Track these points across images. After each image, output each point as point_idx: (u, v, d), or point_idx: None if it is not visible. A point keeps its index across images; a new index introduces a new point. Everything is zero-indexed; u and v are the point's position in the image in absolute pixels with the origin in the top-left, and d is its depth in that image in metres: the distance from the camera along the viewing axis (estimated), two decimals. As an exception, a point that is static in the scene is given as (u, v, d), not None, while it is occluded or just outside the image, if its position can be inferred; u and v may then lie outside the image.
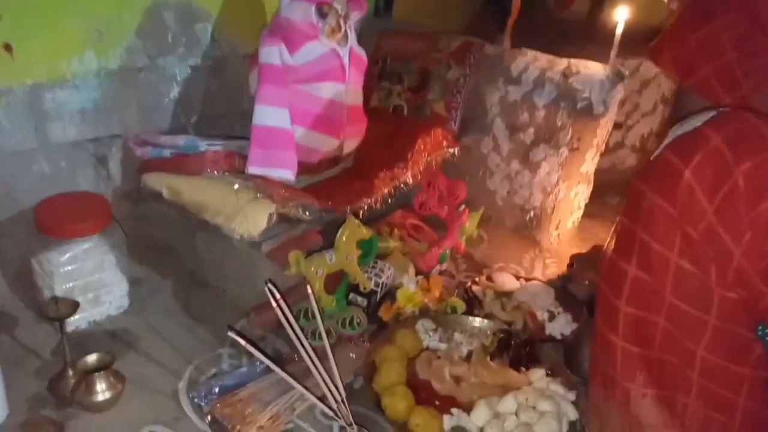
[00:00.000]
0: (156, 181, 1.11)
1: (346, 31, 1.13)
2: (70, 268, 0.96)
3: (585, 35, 1.67)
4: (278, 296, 0.78)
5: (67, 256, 0.96)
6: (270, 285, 0.78)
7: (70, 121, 1.09)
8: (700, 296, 0.57)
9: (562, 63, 1.28)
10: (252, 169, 1.06)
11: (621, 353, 0.63)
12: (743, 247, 0.54)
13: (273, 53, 1.06)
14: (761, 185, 0.53)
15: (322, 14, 1.09)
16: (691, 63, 0.63)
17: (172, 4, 1.17)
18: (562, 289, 1.17)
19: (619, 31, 1.21)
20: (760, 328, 0.57)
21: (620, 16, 1.21)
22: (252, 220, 0.98)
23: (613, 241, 0.64)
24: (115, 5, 1.09)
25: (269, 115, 1.06)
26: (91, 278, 0.99)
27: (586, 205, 1.41)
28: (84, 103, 1.10)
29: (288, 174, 1.08)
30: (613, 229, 0.66)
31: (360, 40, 1.23)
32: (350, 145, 1.24)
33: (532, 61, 1.31)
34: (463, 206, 1.27)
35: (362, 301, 1.06)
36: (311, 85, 1.12)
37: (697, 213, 0.55)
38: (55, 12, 1.02)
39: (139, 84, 1.17)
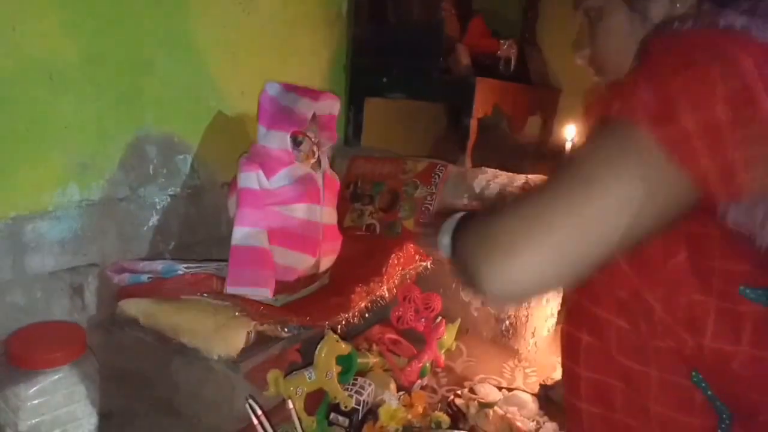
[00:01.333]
0: (132, 306, 1.10)
1: (319, 156, 1.21)
2: (38, 401, 0.92)
3: (537, 155, 1.82)
4: (259, 412, 0.76)
5: (35, 388, 0.92)
6: (251, 401, 0.76)
7: (49, 252, 1.09)
8: (639, 351, 0.61)
9: (521, 178, 1.38)
10: (230, 289, 1.08)
11: (585, 416, 0.65)
12: (661, 302, 0.58)
13: (251, 178, 1.13)
14: (666, 246, 0.58)
15: (296, 142, 1.18)
16: None
17: (155, 138, 1.24)
18: (545, 397, 1.17)
19: (569, 146, 1.33)
20: (693, 374, 0.60)
21: (569, 134, 1.34)
22: (230, 339, 0.97)
23: (564, 314, 0.69)
24: (100, 139, 1.15)
25: (247, 235, 1.10)
26: (59, 412, 0.94)
27: (559, 312, 1.44)
28: (64, 234, 1.11)
29: (266, 293, 1.09)
30: (560, 302, 0.70)
31: (332, 166, 1.32)
32: (326, 262, 1.27)
33: (493, 178, 1.41)
34: (439, 318, 1.29)
35: (344, 421, 1.03)
36: (288, 207, 1.17)
37: (622, 278, 0.60)
38: (41, 146, 1.07)
39: (118, 213, 1.21)
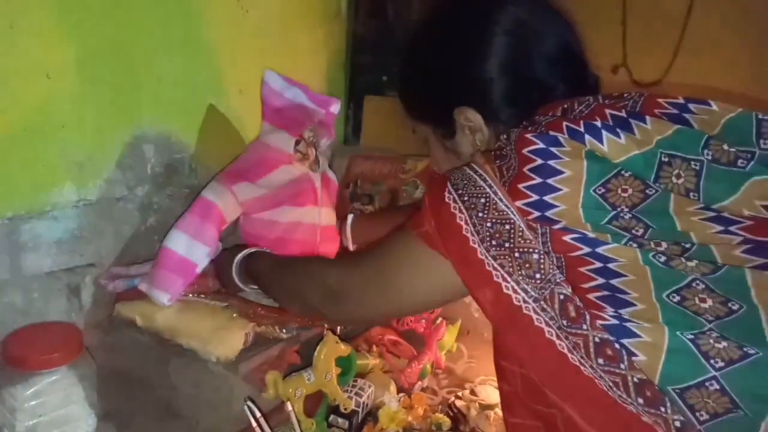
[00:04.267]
0: (129, 308, 1.09)
1: (317, 156, 1.20)
2: (35, 402, 0.91)
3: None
4: (258, 414, 0.75)
5: (32, 389, 0.91)
6: (249, 402, 0.76)
7: (46, 252, 1.08)
8: (541, 396, 0.63)
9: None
10: (141, 286, 1.07)
11: None
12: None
13: (223, 194, 1.10)
14: None
15: (295, 142, 1.16)
16: None
17: (152, 137, 1.23)
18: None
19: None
20: None
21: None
22: (228, 341, 0.96)
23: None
24: (97, 138, 1.13)
25: (186, 245, 1.06)
26: (56, 413, 0.94)
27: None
28: (61, 234, 1.10)
29: (164, 298, 1.05)
30: None
31: (331, 165, 1.30)
32: (325, 263, 1.26)
33: (494, 178, 1.40)
34: (440, 319, 1.28)
35: (343, 423, 1.03)
36: (283, 209, 1.15)
37: None
38: (38, 145, 1.05)
39: (116, 213, 1.20)
